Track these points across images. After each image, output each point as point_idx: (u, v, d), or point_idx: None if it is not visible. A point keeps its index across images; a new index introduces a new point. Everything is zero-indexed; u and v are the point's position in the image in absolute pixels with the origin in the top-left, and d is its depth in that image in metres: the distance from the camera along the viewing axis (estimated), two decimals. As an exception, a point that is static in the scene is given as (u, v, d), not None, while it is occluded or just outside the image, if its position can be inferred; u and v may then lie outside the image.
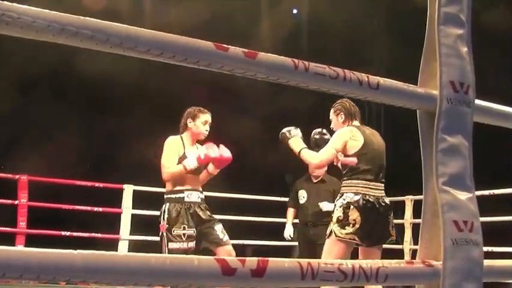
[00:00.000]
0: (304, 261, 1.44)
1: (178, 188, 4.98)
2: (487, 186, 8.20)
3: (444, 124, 1.71)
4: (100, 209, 8.50)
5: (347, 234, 4.55)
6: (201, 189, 5.16)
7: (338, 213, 4.65)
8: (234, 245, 8.19)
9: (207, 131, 5.10)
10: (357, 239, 4.54)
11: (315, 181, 6.94)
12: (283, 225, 7.41)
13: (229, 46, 1.48)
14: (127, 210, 8.49)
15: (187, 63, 1.45)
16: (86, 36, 1.34)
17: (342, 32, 12.00)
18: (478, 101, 1.83)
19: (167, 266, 1.30)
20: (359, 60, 12.27)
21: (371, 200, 4.66)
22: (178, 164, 4.93)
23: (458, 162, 1.71)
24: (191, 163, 4.89)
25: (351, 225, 4.55)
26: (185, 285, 1.36)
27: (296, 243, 7.51)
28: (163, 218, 4.91)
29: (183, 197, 4.97)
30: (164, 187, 5.06)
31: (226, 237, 5.01)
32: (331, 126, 5.07)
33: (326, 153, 4.73)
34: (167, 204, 4.95)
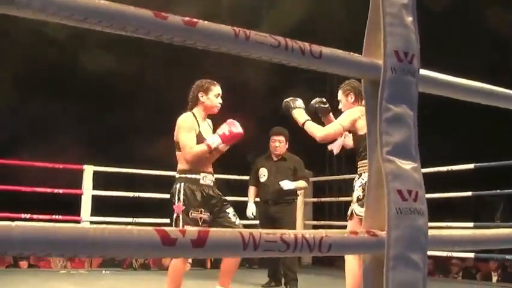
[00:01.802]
0: (246, 232, 1.43)
1: (194, 168, 4.73)
2: (446, 162, 8.29)
3: (389, 93, 1.70)
4: (60, 191, 8.41)
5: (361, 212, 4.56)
6: (212, 172, 4.93)
7: (357, 193, 4.71)
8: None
9: (220, 103, 4.87)
10: None
11: (275, 159, 6.93)
12: (244, 203, 7.40)
13: (168, 14, 1.45)
14: (87, 192, 8.42)
15: (126, 31, 1.42)
16: (23, 5, 1.30)
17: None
18: (423, 71, 1.83)
19: (106, 237, 1.28)
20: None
21: None
22: (198, 143, 4.71)
23: (403, 131, 1.70)
24: (215, 141, 4.68)
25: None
26: (126, 256, 1.34)
27: (257, 222, 7.51)
28: (178, 199, 4.68)
29: (199, 179, 4.74)
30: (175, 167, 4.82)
31: (238, 221, 4.85)
32: (339, 107, 5.04)
33: (331, 128, 4.71)
34: (182, 184, 4.71)
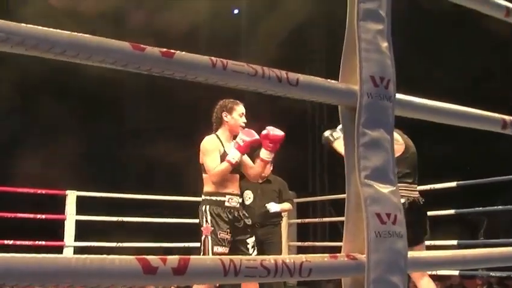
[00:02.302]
0: (226, 258, 1.45)
1: (219, 190, 4.73)
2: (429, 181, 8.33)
3: (365, 118, 1.73)
4: (43, 216, 8.37)
5: None
6: (239, 193, 4.93)
7: None
8: (166, 248, 8.16)
9: (244, 123, 4.85)
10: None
11: (260, 181, 6.91)
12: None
13: (146, 46, 1.47)
14: (70, 217, 8.39)
15: (105, 63, 1.44)
16: (1, 39, 1.31)
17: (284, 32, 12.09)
18: (399, 95, 1.86)
19: (88, 266, 1.29)
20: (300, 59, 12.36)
21: (413, 201, 4.81)
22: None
23: (380, 156, 1.73)
24: (234, 155, 4.66)
25: None
26: (108, 285, 1.35)
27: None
28: (206, 220, 4.66)
29: (224, 201, 4.73)
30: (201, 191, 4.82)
31: (254, 253, 4.83)
32: None
33: None
34: (208, 206, 4.70)
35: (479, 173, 7.93)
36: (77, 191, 8.52)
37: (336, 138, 4.84)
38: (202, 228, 4.69)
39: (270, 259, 1.52)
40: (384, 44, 1.82)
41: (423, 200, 4.95)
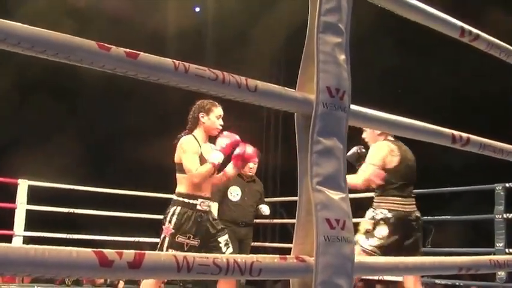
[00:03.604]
0: (180, 255, 1.50)
1: (192, 193, 4.69)
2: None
3: (320, 127, 1.79)
4: (-8, 204, 8.33)
5: (370, 245, 4.69)
6: (210, 196, 4.88)
7: (367, 225, 4.78)
8: (131, 242, 8.16)
9: (220, 125, 4.83)
10: (378, 253, 4.66)
11: (246, 180, 6.89)
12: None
13: (112, 46, 1.51)
14: (21, 206, 8.34)
15: (70, 60, 1.48)
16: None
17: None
18: (353, 106, 1.93)
19: (46, 257, 1.32)
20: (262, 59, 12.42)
21: (403, 216, 4.76)
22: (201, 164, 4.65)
23: (332, 163, 1.80)
24: (217, 157, 4.64)
25: (376, 239, 4.71)
26: (64, 276, 1.39)
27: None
28: (169, 221, 4.62)
29: (196, 204, 4.68)
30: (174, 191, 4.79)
31: (228, 250, 4.81)
32: (363, 136, 5.09)
33: (367, 172, 4.75)
34: (178, 207, 4.65)
35: (428, 182, 8.07)
36: (29, 180, 8.48)
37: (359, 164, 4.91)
38: (163, 227, 4.67)
39: (222, 258, 1.58)
40: (342, 57, 1.89)
41: (417, 215, 4.91)
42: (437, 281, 8.69)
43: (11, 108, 11.95)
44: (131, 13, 11.42)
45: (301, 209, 1.82)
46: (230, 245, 4.87)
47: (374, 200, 4.91)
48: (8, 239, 8.08)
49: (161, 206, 9.64)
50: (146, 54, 1.56)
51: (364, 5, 2.16)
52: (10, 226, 8.30)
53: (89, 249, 1.40)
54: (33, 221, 8.56)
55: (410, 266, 2.10)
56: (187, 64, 1.60)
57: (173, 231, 4.59)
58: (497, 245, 7.06)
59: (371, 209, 4.89)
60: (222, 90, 1.67)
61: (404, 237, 4.72)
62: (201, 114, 4.80)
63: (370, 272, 1.97)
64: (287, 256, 1.74)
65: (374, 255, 4.63)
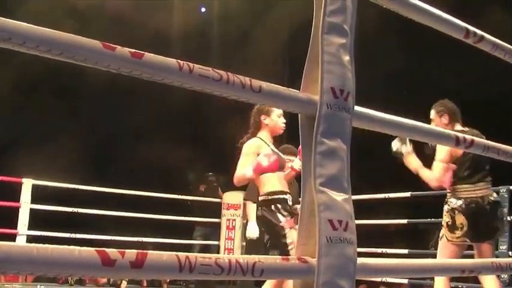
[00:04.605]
0: (182, 255, 1.50)
1: (283, 189, 4.86)
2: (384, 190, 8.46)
3: (324, 128, 1.79)
4: (-4, 203, 8.35)
5: (457, 238, 4.79)
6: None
7: (445, 218, 4.88)
8: (134, 242, 8.15)
9: (284, 123, 4.92)
10: (467, 240, 4.80)
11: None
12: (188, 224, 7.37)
13: (116, 46, 1.51)
14: (25, 205, 8.35)
15: (75, 60, 1.48)
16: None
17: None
18: (357, 107, 1.93)
19: (48, 256, 1.33)
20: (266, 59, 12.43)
21: (474, 201, 4.83)
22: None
23: (336, 164, 1.79)
24: (249, 172, 4.69)
25: (459, 229, 4.79)
26: (67, 274, 1.39)
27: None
28: (283, 215, 4.76)
29: (286, 199, 4.83)
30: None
31: (292, 251, 4.68)
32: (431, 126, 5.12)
33: (438, 171, 4.83)
34: (279, 204, 4.79)
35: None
36: (34, 179, 8.50)
37: (409, 152, 4.97)
38: (284, 222, 4.73)
39: (224, 258, 1.58)
40: (346, 58, 1.89)
41: (492, 198, 4.93)
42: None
43: (14, 108, 11.98)
44: (137, 13, 11.44)
45: (304, 210, 1.82)
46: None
47: (446, 191, 5.01)
48: (12, 237, 8.10)
49: (164, 206, 9.69)
50: (151, 54, 1.56)
51: (369, 6, 2.16)
52: (14, 225, 8.32)
53: (92, 249, 1.40)
54: (37, 220, 8.58)
55: (414, 267, 2.10)
56: (191, 64, 1.60)
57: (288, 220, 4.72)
58: (500, 247, 7.06)
59: (445, 202, 4.99)
60: (226, 91, 1.67)
61: (480, 222, 4.82)
62: (262, 117, 4.88)
63: (373, 273, 1.97)
64: (289, 257, 1.74)
65: (464, 243, 4.84)
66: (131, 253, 1.43)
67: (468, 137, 2.41)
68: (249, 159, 4.75)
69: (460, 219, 4.77)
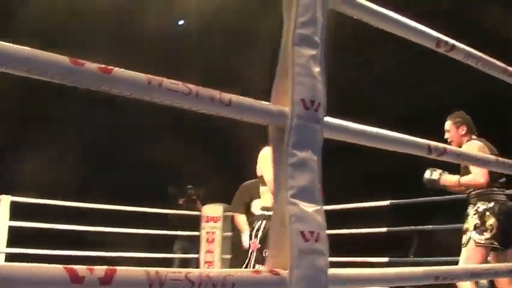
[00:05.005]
0: (152, 270, 1.49)
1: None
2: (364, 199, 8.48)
3: (294, 140, 1.80)
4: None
5: (486, 239, 4.88)
6: None
7: (473, 221, 4.97)
8: (114, 257, 8.11)
9: None
10: (495, 243, 4.87)
11: None
12: (160, 236, 7.36)
13: (85, 61, 1.51)
14: (3, 222, 8.28)
15: (43, 76, 1.47)
16: None
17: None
18: (328, 118, 1.93)
19: (16, 274, 1.32)
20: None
21: (504, 205, 4.99)
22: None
23: (307, 176, 1.80)
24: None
25: (488, 230, 4.90)
26: (35, 292, 1.38)
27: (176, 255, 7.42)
28: (255, 236, 4.58)
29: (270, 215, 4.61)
30: None
31: None
32: (446, 137, 5.32)
33: (481, 170, 4.92)
34: (264, 222, 4.58)
35: (413, 192, 8.09)
36: (12, 196, 8.44)
37: (440, 176, 5.11)
38: (250, 242, 4.62)
39: (195, 272, 1.57)
40: (317, 69, 1.89)
41: (510, 204, 5.11)
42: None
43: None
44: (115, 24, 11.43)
45: (275, 222, 1.83)
46: None
47: (471, 196, 5.11)
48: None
49: (145, 221, 9.65)
50: (120, 69, 1.56)
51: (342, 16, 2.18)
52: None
53: (60, 266, 1.39)
54: (16, 237, 8.50)
55: (387, 276, 2.11)
56: (160, 79, 1.60)
57: (259, 245, 4.53)
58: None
59: (471, 206, 5.10)
60: (195, 105, 1.67)
61: (508, 225, 4.92)
62: None
63: (345, 283, 1.97)
64: (261, 270, 1.73)
65: (491, 246, 4.91)
66: (100, 269, 1.42)
67: (441, 145, 2.42)
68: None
69: (491, 220, 4.86)
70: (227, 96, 1.71)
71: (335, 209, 8.00)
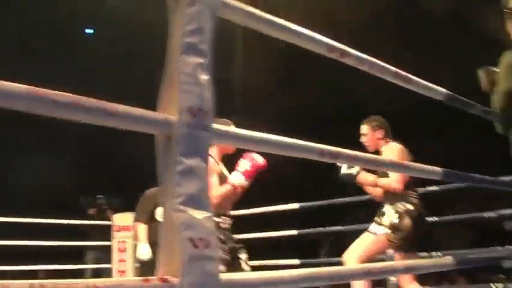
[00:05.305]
0: (35, 283, 1.48)
1: (215, 211, 4.49)
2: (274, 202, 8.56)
3: (182, 148, 1.81)
4: None
5: (396, 239, 5.02)
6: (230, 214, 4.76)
7: (392, 219, 5.09)
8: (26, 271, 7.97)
9: None
10: (405, 244, 5.02)
11: None
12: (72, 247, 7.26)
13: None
14: None
15: None
16: None
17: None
18: (216, 125, 1.95)
19: None
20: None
21: (420, 209, 5.11)
22: (221, 184, 4.53)
23: (195, 183, 1.81)
24: (238, 179, 4.50)
25: (402, 231, 5.02)
26: None
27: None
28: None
29: (219, 222, 4.52)
30: None
31: (248, 268, 4.66)
32: (363, 140, 5.39)
33: (398, 175, 5.00)
34: None
35: (323, 194, 8.22)
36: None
37: (356, 172, 5.13)
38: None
39: (82, 283, 1.57)
40: (204, 77, 1.91)
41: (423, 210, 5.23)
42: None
43: None
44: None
45: (165, 230, 1.83)
46: (248, 263, 4.77)
47: (390, 196, 5.23)
48: None
49: (57, 231, 9.50)
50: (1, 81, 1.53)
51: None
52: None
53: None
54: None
55: (281, 279, 2.14)
56: (42, 90, 1.58)
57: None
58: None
59: (389, 205, 5.22)
60: (80, 116, 1.66)
61: (421, 230, 5.03)
62: None
63: (238, 288, 1.99)
64: (151, 278, 1.74)
65: (402, 246, 5.04)
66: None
67: (333, 149, 2.48)
68: (215, 176, 4.60)
69: (407, 222, 4.98)
70: (113, 106, 1.71)
71: (247, 214, 8.08)
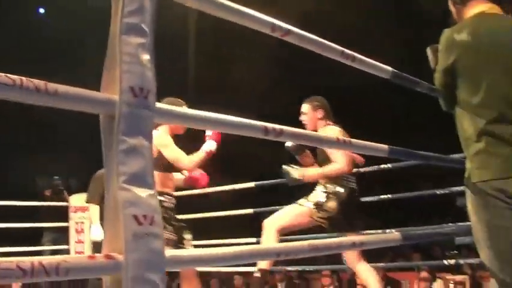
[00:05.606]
0: (-20, 260, 1.50)
1: (158, 189, 4.32)
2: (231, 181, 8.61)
3: (124, 127, 1.83)
4: None
5: (318, 217, 5.10)
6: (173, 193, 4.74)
7: (319, 198, 5.17)
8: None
9: None
10: (327, 224, 5.11)
11: None
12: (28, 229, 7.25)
13: None
14: None
15: None
16: None
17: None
18: (159, 104, 1.98)
19: None
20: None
21: (353, 192, 5.20)
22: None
23: (139, 161, 1.84)
24: (211, 146, 4.57)
25: (325, 212, 5.11)
26: None
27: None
28: None
29: (162, 201, 4.53)
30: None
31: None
32: (302, 119, 5.40)
33: (342, 156, 5.04)
34: None
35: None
36: None
37: (301, 172, 5.17)
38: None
39: (27, 260, 1.59)
40: (146, 57, 1.93)
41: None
42: (290, 268, 8.92)
43: None
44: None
45: (109, 208, 1.86)
46: (192, 243, 4.83)
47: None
48: None
49: (12, 213, 9.45)
50: None
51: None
52: None
53: None
54: None
55: (227, 255, 2.17)
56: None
57: None
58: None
59: (320, 185, 5.27)
60: (20, 96, 1.67)
61: (352, 212, 5.06)
62: None
63: (183, 265, 2.03)
64: (96, 255, 1.76)
65: (322, 225, 5.15)
66: None
67: (277, 127, 2.51)
68: (178, 148, 4.66)
69: (333, 204, 5.03)
70: (53, 86, 1.72)
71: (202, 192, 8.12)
